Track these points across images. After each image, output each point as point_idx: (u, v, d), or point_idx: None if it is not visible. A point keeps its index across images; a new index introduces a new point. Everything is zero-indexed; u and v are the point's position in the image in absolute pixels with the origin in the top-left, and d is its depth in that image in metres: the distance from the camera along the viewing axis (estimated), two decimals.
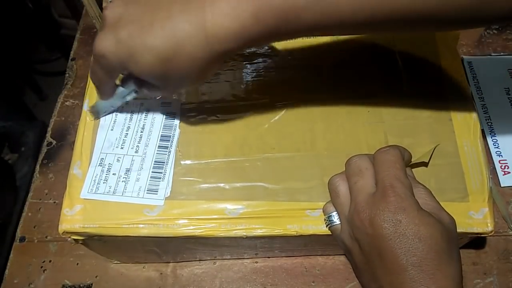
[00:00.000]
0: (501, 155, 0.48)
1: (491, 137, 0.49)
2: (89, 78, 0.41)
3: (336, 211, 0.31)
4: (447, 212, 0.29)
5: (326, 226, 0.32)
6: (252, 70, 0.40)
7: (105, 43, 0.29)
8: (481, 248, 0.43)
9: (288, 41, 0.41)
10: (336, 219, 0.31)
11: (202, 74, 0.29)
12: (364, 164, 0.30)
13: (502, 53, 0.55)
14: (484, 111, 0.51)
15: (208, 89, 0.39)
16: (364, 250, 0.28)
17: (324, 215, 0.32)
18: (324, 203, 0.33)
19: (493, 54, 0.55)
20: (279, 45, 0.41)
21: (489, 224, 0.33)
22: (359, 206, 0.28)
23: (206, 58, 0.27)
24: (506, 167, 0.47)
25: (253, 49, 0.41)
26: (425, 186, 0.30)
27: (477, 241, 0.43)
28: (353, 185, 0.30)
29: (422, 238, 0.26)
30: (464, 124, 0.37)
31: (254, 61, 0.41)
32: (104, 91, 0.35)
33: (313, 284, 0.43)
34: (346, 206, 0.30)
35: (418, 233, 0.26)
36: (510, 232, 0.44)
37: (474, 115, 0.37)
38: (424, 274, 0.25)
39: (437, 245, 0.26)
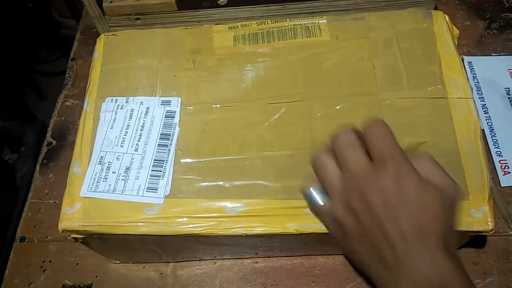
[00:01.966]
0: (501, 155, 0.48)
1: (491, 137, 0.49)
2: (89, 78, 0.41)
3: (317, 190, 0.30)
4: (450, 178, 0.28)
5: (311, 210, 0.31)
6: (252, 69, 0.40)
7: None
8: (481, 248, 0.43)
9: (289, 40, 0.42)
10: (319, 199, 0.30)
11: None
12: (354, 137, 0.29)
13: (502, 53, 0.55)
14: (484, 111, 0.50)
15: (208, 88, 0.40)
16: (363, 221, 0.27)
17: (306, 198, 0.31)
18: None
19: (493, 54, 0.55)
20: (279, 44, 0.41)
21: (489, 223, 0.33)
22: (358, 176, 0.27)
23: None
24: (506, 167, 0.47)
25: (252, 49, 0.41)
26: (426, 154, 0.29)
27: (477, 241, 0.43)
28: (347, 158, 0.29)
29: (424, 206, 0.25)
30: (464, 123, 0.36)
31: (254, 60, 0.41)
32: None
33: (313, 284, 0.42)
34: (337, 179, 0.29)
35: (420, 200, 0.26)
36: (510, 232, 0.44)
37: (474, 114, 0.37)
38: (427, 242, 0.25)
39: (439, 213, 0.26)
